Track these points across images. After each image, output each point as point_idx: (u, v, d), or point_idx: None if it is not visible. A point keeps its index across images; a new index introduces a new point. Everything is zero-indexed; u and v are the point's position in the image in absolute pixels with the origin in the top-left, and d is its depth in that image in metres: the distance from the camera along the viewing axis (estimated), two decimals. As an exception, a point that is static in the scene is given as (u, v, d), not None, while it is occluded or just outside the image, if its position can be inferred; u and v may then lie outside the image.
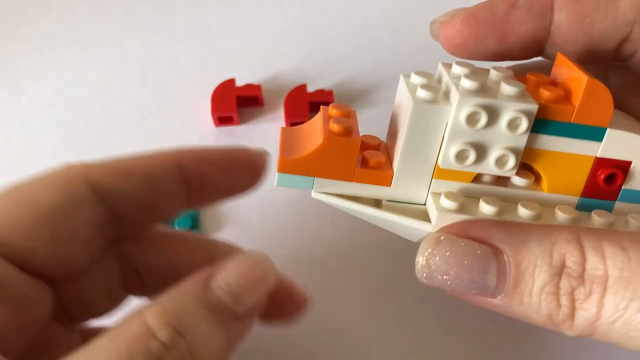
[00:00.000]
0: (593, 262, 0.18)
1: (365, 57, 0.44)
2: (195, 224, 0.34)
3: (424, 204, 0.23)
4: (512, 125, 0.20)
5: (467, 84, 0.20)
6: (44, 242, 0.21)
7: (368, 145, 0.23)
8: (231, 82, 0.40)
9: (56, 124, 0.40)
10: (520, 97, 0.20)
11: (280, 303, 0.25)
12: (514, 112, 0.20)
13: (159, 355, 0.18)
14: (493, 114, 0.20)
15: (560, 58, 0.22)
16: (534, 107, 0.20)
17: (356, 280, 0.32)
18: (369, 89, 0.42)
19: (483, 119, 0.20)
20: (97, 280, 0.24)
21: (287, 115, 0.39)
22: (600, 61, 0.24)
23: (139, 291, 0.25)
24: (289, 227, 0.34)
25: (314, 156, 0.21)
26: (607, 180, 0.22)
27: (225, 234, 0.34)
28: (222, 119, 0.39)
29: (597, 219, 0.22)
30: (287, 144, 0.22)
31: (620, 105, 0.24)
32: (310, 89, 0.41)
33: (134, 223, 0.24)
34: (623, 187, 0.22)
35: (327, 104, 0.39)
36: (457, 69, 0.22)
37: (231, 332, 0.20)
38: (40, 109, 0.41)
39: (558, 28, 0.23)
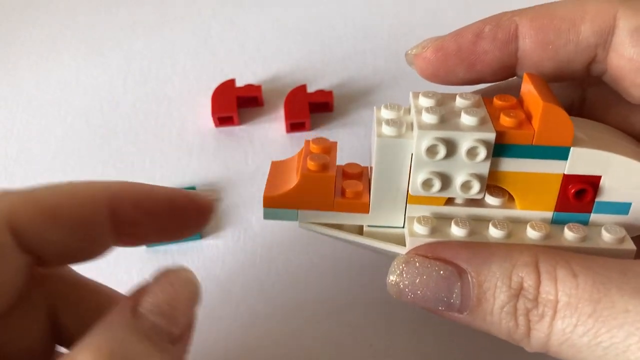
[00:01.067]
0: (546, 286, 0.20)
1: (365, 58, 0.44)
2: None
3: (403, 227, 0.24)
4: (472, 153, 0.21)
5: (427, 117, 0.21)
6: None
7: (349, 174, 0.24)
8: (231, 82, 0.40)
9: (56, 124, 0.40)
10: (478, 126, 0.21)
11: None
12: (472, 141, 0.21)
13: None
14: (452, 145, 0.21)
15: (525, 79, 0.23)
16: (491, 135, 0.21)
17: (356, 282, 0.32)
18: (369, 89, 0.42)
19: (442, 150, 0.21)
20: (20, 326, 0.21)
21: (287, 116, 0.39)
22: (574, 79, 0.25)
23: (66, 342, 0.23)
24: (288, 227, 0.34)
25: (294, 192, 0.23)
26: (577, 195, 0.22)
27: (225, 234, 0.34)
28: (222, 120, 0.40)
29: (570, 234, 0.22)
30: (273, 178, 0.24)
31: (597, 117, 0.25)
32: (310, 89, 0.41)
33: (57, 263, 0.22)
34: (596, 200, 0.22)
35: (327, 104, 0.40)
36: (423, 101, 0.23)
37: (172, 355, 0.19)
38: (40, 110, 0.41)
39: (524, 55, 0.24)
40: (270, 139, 0.39)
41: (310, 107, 0.39)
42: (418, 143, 0.21)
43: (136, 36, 0.46)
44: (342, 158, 0.35)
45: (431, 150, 0.21)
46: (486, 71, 0.24)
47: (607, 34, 0.22)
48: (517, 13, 0.24)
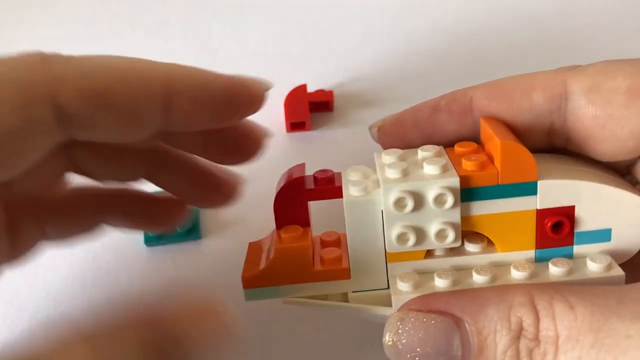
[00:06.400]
0: (545, 323, 0.19)
1: (365, 58, 0.44)
2: (195, 226, 0.34)
3: (388, 288, 0.23)
4: (439, 201, 0.21)
5: (390, 172, 0.22)
6: None
7: (327, 242, 0.24)
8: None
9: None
10: (441, 174, 0.21)
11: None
12: (437, 189, 0.21)
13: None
14: (418, 196, 0.21)
15: (482, 124, 0.23)
16: (454, 180, 0.21)
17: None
18: (369, 89, 0.42)
19: (410, 202, 0.21)
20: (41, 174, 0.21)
21: (287, 116, 0.39)
22: (539, 149, 0.24)
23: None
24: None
25: (271, 267, 0.23)
26: (554, 228, 0.22)
27: (225, 234, 0.34)
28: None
29: (555, 269, 0.22)
30: (250, 259, 0.24)
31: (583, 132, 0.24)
32: (310, 89, 0.41)
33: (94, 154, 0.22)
34: (576, 231, 0.22)
35: (327, 103, 0.40)
36: (385, 158, 0.23)
37: None
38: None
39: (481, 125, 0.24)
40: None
41: (311, 107, 0.39)
42: (385, 198, 0.21)
43: (136, 36, 0.47)
44: (343, 158, 0.35)
45: (399, 204, 0.21)
46: (444, 142, 0.24)
47: (559, 100, 0.23)
48: (471, 88, 0.24)
